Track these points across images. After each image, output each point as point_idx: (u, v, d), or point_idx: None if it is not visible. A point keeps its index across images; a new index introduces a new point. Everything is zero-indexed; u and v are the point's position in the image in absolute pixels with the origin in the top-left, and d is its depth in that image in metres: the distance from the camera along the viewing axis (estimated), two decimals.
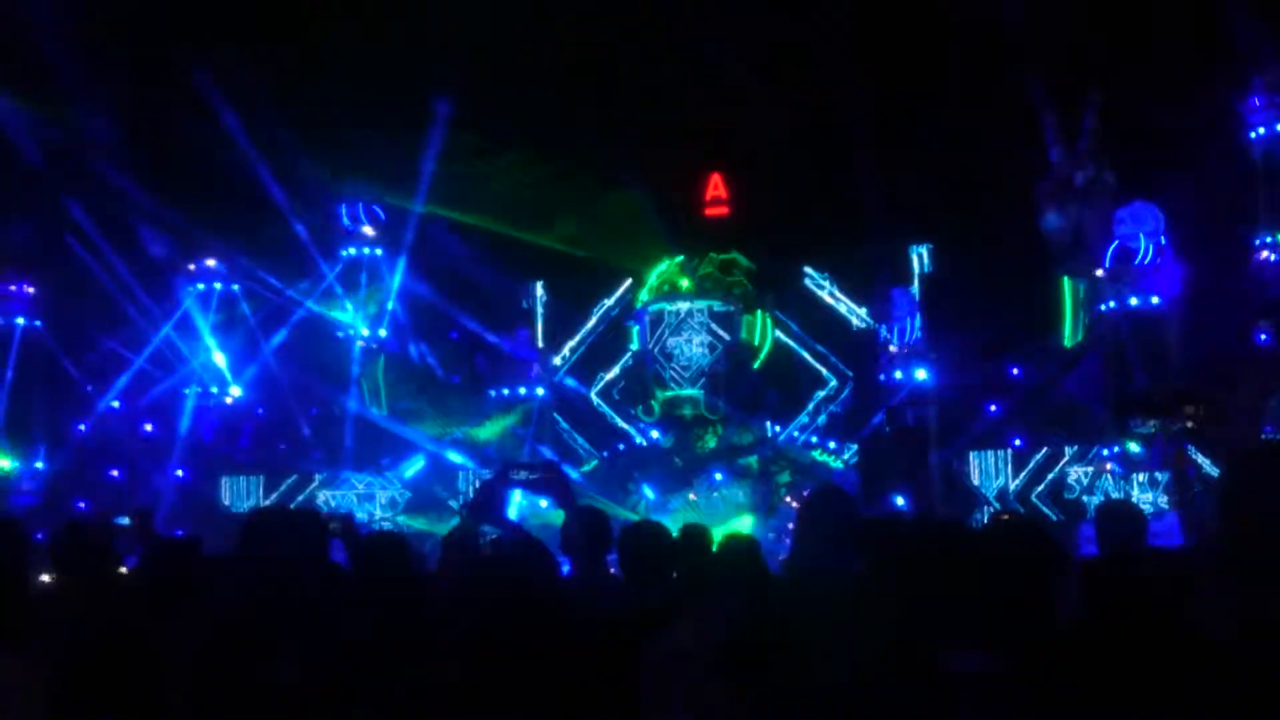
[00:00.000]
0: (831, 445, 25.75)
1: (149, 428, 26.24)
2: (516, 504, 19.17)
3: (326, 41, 23.71)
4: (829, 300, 26.31)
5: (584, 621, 4.43)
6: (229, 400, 26.52)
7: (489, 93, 24.49)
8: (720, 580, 4.84)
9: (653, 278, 27.06)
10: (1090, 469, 21.95)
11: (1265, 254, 21.28)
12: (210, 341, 26.50)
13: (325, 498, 25.37)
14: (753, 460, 25.92)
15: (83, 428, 25.84)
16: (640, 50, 23.81)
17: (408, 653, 4.16)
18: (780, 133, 23.81)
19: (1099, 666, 3.56)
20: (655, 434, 26.64)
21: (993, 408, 23.57)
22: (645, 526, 5.79)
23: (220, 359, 26.53)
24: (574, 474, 24.51)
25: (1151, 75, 20.55)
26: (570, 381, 27.41)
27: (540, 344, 27.05)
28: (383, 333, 27.10)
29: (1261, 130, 21.60)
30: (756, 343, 26.52)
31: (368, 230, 27.13)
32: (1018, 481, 22.73)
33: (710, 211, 26.86)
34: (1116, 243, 22.22)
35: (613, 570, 6.28)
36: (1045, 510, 21.98)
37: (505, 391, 26.69)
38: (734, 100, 24.04)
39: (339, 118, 23.99)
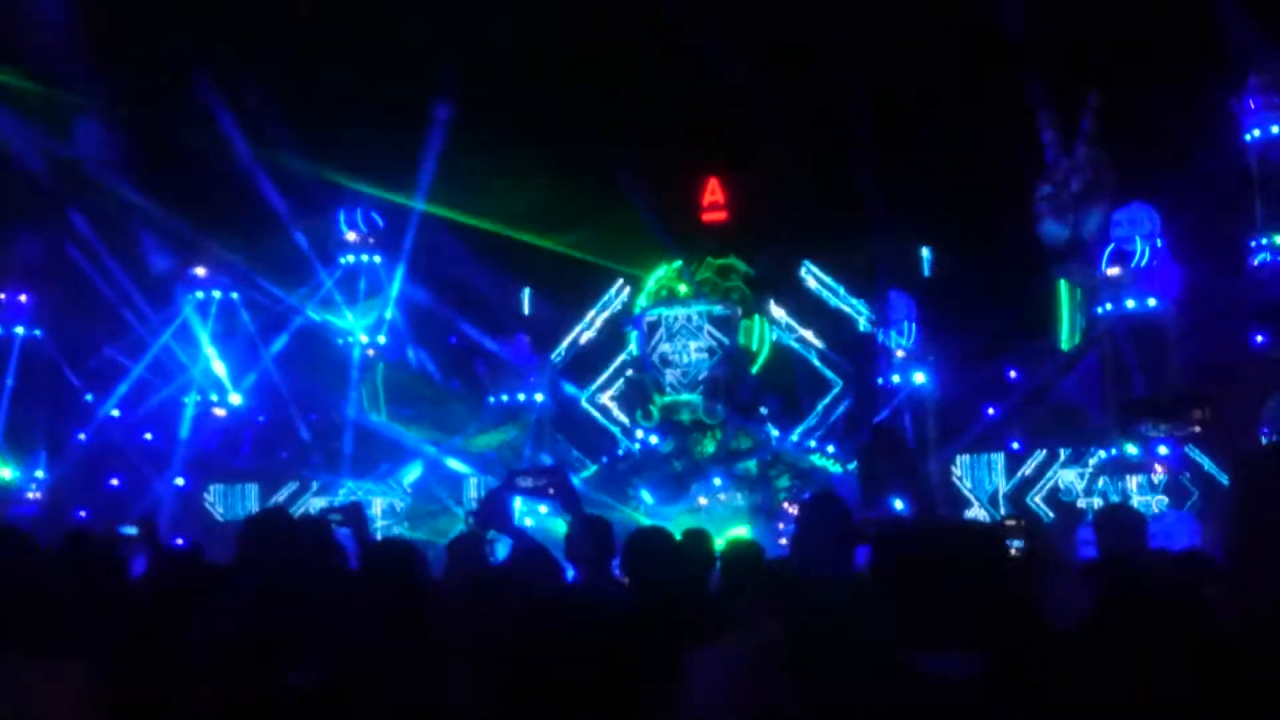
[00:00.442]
0: (830, 449, 25.75)
1: (149, 436, 26.26)
2: (516, 510, 19.13)
3: (324, 48, 23.74)
4: (829, 296, 26.23)
5: (593, 627, 4.45)
6: (223, 413, 26.51)
7: (486, 98, 24.54)
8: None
9: (650, 283, 27.08)
10: (1087, 471, 21.96)
11: (1262, 256, 21.32)
12: (210, 349, 26.52)
13: (321, 504, 25.31)
14: (751, 465, 25.92)
15: (83, 436, 25.86)
16: (638, 53, 23.85)
17: (419, 659, 4.18)
18: (778, 136, 23.83)
19: (1106, 669, 3.58)
20: (654, 439, 26.64)
21: (990, 410, 23.59)
22: (651, 532, 5.82)
23: (220, 367, 26.55)
24: (574, 480, 24.44)
25: (1148, 77, 20.61)
26: (569, 388, 27.43)
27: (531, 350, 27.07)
28: (381, 339, 27.11)
29: (1257, 132, 21.64)
30: (755, 347, 26.53)
31: (354, 237, 27.10)
32: (1011, 484, 22.74)
33: (708, 216, 26.87)
34: (1113, 245, 22.24)
35: (616, 576, 6.31)
36: (1041, 513, 21.99)
37: (505, 397, 26.70)
38: (731, 103, 24.07)
39: (337, 124, 24.03)
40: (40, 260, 25.38)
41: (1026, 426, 22.98)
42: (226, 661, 3.61)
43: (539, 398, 26.77)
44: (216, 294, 26.73)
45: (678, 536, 6.16)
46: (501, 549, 8.73)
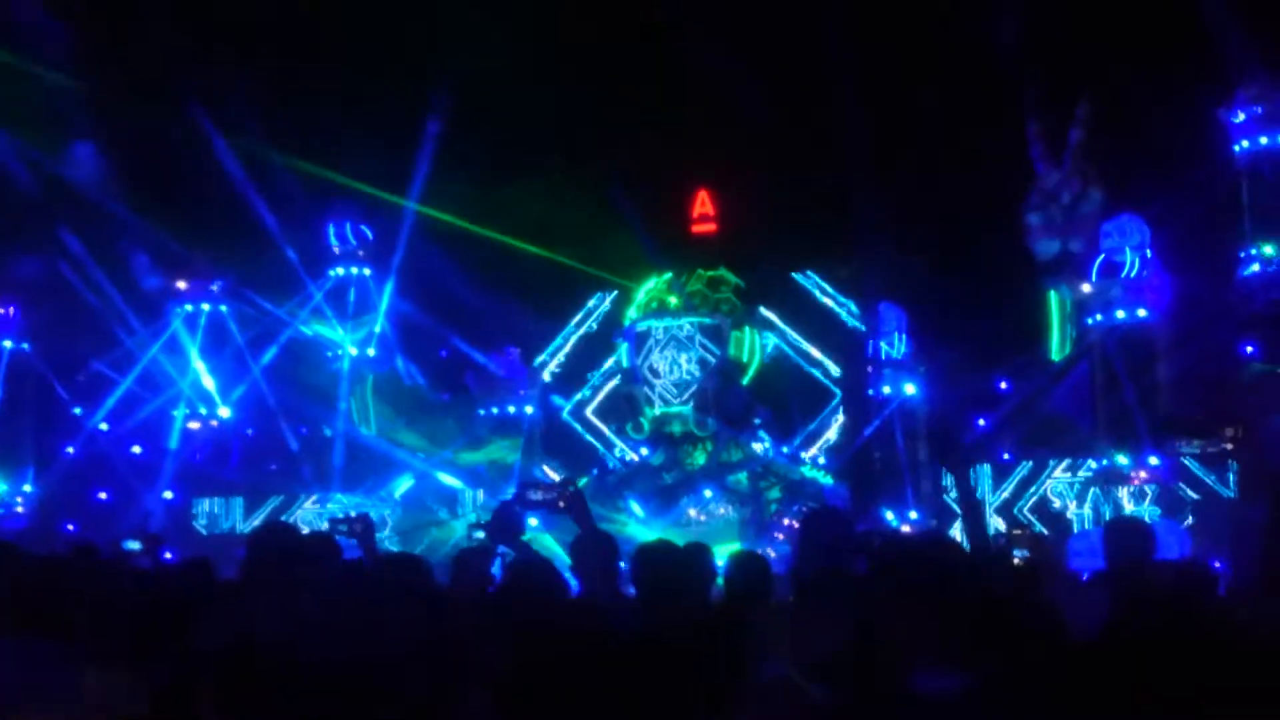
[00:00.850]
0: (821, 460, 25.76)
1: (137, 449, 26.17)
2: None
3: (316, 59, 23.71)
4: (825, 301, 26.13)
5: (604, 640, 4.43)
6: (197, 425, 26.42)
7: (476, 109, 24.54)
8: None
9: (641, 295, 27.08)
10: (1077, 482, 21.97)
11: (1251, 266, 21.39)
12: (198, 362, 26.44)
13: (309, 517, 25.11)
14: (742, 477, 25.92)
15: (71, 450, 25.77)
16: (629, 65, 23.89)
17: (430, 671, 4.16)
18: (768, 149, 23.84)
19: (1127, 678, 3.56)
20: (644, 451, 26.63)
21: (981, 421, 23.61)
22: (661, 546, 5.80)
23: (209, 380, 26.48)
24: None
25: (1138, 89, 20.65)
26: (559, 400, 27.41)
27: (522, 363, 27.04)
28: (371, 352, 27.05)
29: (1246, 143, 21.70)
30: (745, 359, 26.52)
31: (338, 250, 27.08)
32: (999, 495, 22.75)
33: (698, 228, 26.89)
34: (1103, 256, 22.29)
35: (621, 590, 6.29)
36: (1029, 525, 21.97)
37: (495, 410, 26.67)
38: (722, 115, 24.07)
39: (327, 136, 24.02)
40: (28, 274, 25.29)
41: (1017, 437, 23.00)
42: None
43: (529, 410, 26.74)
44: (205, 307, 26.66)
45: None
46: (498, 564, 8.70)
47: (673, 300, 26.76)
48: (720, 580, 6.39)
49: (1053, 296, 23.40)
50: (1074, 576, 6.38)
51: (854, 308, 25.63)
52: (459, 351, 26.76)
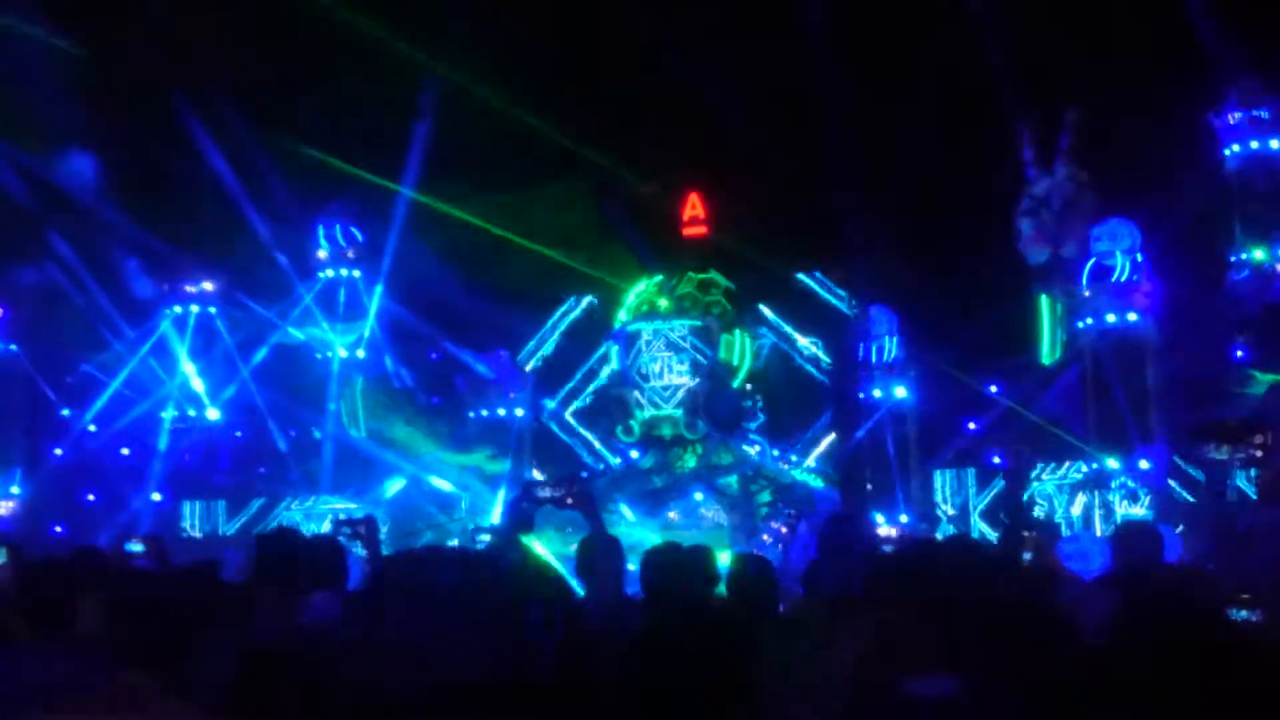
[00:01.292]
0: (811, 464, 25.76)
1: (126, 451, 26.07)
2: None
3: (302, 62, 23.65)
4: (827, 300, 26.04)
5: (613, 642, 4.41)
6: (205, 426, 26.37)
7: (467, 110, 24.49)
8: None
9: (631, 297, 27.04)
10: (1066, 485, 21.99)
11: (1241, 270, 21.45)
12: (187, 364, 26.35)
13: (297, 518, 25.00)
14: (733, 480, 25.90)
15: (59, 452, 25.67)
16: (620, 68, 23.89)
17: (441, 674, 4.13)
18: (758, 152, 23.84)
19: (1137, 679, 3.55)
20: (635, 454, 26.61)
21: (971, 425, 23.65)
22: (669, 549, 5.79)
23: (198, 382, 26.39)
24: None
25: (1128, 93, 20.72)
26: (550, 403, 27.39)
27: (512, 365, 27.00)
28: (361, 354, 26.98)
29: (1236, 147, 21.80)
30: (736, 362, 26.50)
31: (324, 254, 27.01)
32: (983, 498, 22.78)
33: (688, 231, 26.85)
34: (1093, 260, 22.33)
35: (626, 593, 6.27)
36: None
37: (485, 413, 26.63)
38: (711, 119, 24.07)
39: (316, 138, 23.96)
40: (16, 275, 25.19)
41: (1008, 441, 23.01)
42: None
43: (519, 413, 26.72)
44: (195, 309, 26.56)
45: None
46: None
47: (663, 303, 26.72)
48: (724, 583, 6.39)
49: (1044, 301, 23.44)
50: (1078, 579, 6.37)
51: (846, 309, 25.61)
52: (449, 354, 26.71)
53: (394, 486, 26.02)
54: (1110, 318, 22.06)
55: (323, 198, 26.09)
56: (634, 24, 23.35)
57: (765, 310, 26.54)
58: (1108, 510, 20.83)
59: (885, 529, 21.14)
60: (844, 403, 24.87)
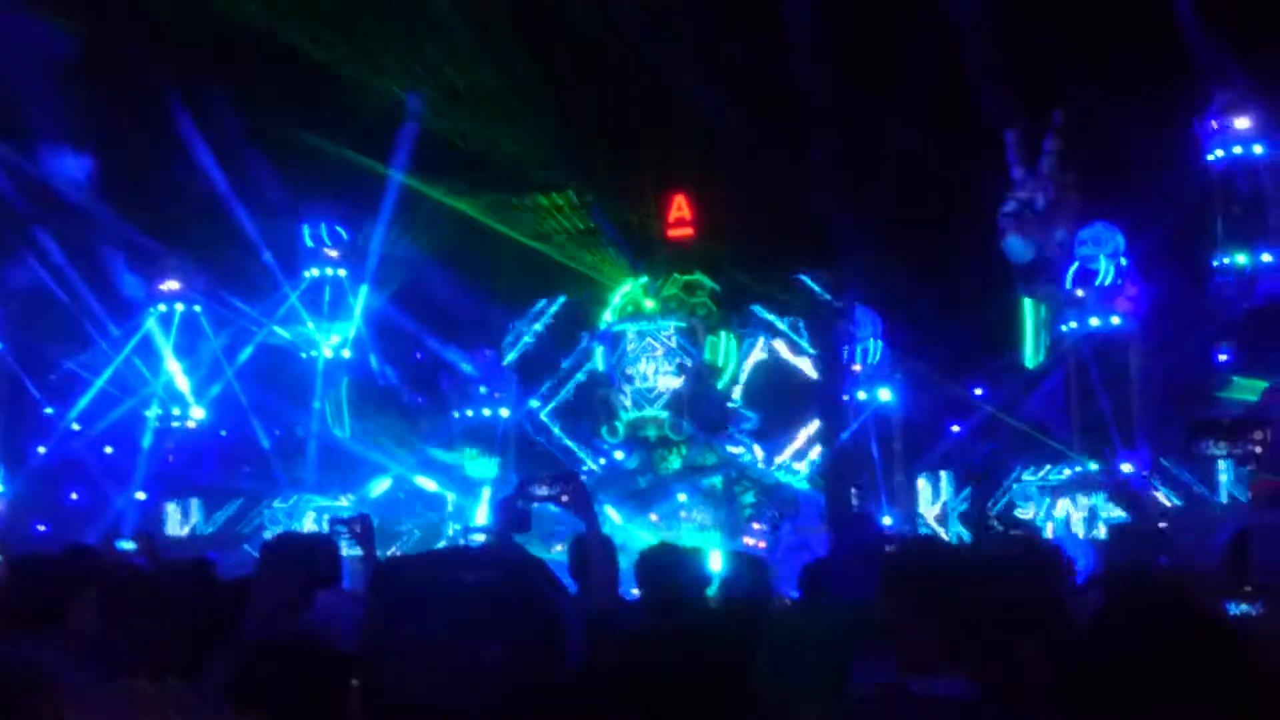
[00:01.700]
0: (795, 465, 25.76)
1: (109, 450, 25.97)
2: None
3: (291, 63, 23.63)
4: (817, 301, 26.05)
5: (610, 643, 4.41)
6: (191, 424, 26.28)
7: (453, 112, 24.51)
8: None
9: (617, 299, 27.03)
10: (1048, 486, 22.01)
11: (1225, 274, 21.55)
12: (172, 363, 26.26)
13: (280, 516, 24.87)
14: (717, 480, 25.88)
15: (43, 450, 25.56)
16: (607, 73, 23.90)
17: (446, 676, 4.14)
18: (745, 153, 23.88)
19: (1121, 669, 3.57)
20: (619, 455, 26.59)
21: (955, 428, 23.72)
22: (665, 549, 5.79)
23: (182, 381, 26.30)
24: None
25: (1113, 98, 20.80)
26: (535, 403, 27.36)
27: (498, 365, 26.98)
28: (346, 353, 26.92)
29: (1220, 153, 21.90)
30: (721, 363, 26.50)
31: (331, 251, 26.95)
32: (960, 499, 22.83)
33: (674, 233, 26.85)
34: (1078, 263, 22.40)
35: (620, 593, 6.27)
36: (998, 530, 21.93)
37: (469, 413, 26.60)
38: (698, 121, 24.10)
39: (303, 139, 23.92)
40: (0, 274, 25.07)
41: (989, 445, 23.10)
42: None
43: (504, 413, 26.69)
44: (180, 307, 26.46)
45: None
46: None
47: (648, 304, 26.70)
48: (717, 583, 6.40)
49: (1027, 304, 23.51)
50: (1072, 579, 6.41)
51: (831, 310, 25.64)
52: (434, 353, 26.67)
53: (379, 486, 25.94)
54: (1094, 321, 22.12)
55: (309, 197, 26.03)
56: (621, 27, 23.38)
57: (759, 310, 26.49)
58: (1091, 513, 20.87)
59: None
60: (830, 405, 24.92)
